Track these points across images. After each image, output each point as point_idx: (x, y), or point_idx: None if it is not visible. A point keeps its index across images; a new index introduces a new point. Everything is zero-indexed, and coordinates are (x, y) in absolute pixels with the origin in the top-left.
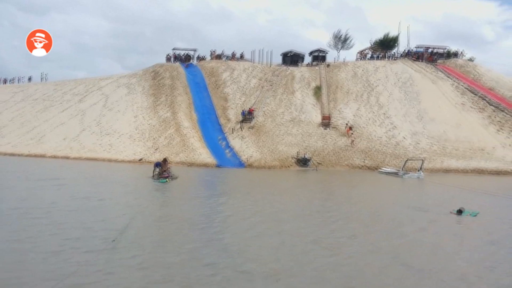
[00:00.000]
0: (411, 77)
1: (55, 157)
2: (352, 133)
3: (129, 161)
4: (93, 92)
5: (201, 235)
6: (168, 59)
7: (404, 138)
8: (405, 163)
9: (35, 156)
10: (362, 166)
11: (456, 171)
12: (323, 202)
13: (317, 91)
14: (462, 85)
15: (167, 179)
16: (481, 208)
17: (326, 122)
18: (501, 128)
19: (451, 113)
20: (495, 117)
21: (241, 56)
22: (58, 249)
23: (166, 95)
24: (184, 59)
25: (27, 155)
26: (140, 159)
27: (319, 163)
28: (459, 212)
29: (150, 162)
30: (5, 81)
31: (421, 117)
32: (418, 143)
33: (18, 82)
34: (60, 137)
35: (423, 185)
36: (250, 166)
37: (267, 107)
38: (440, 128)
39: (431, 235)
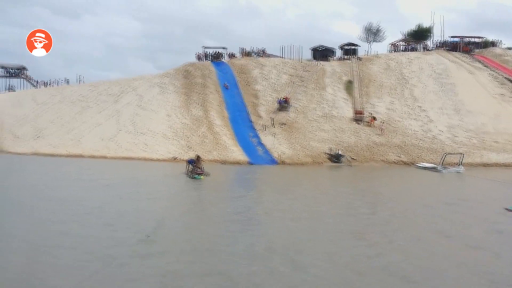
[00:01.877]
0: (446, 68)
1: (93, 157)
2: (382, 123)
3: (164, 160)
4: (127, 93)
5: (244, 231)
6: (199, 57)
7: (441, 131)
8: (443, 158)
9: (74, 156)
10: (398, 162)
11: (497, 165)
12: (370, 199)
13: (349, 85)
14: (500, 75)
15: (201, 176)
16: None
17: (358, 117)
18: None
19: (489, 104)
20: None
21: (264, 52)
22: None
23: (198, 94)
24: (214, 57)
25: (66, 155)
26: (174, 158)
27: (353, 159)
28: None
29: (184, 161)
30: (45, 84)
31: (458, 109)
32: (456, 137)
33: (57, 84)
34: (97, 137)
35: (466, 180)
36: (283, 163)
37: (299, 103)
38: (478, 120)
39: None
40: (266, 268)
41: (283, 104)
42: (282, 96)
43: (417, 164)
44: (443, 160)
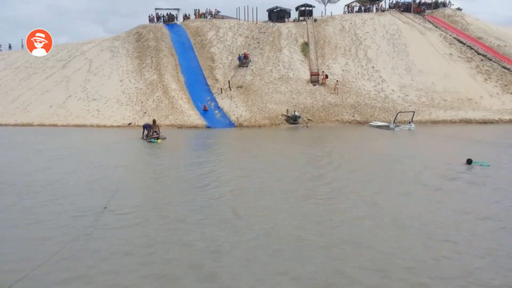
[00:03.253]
0: (399, 29)
1: (42, 125)
2: (336, 82)
3: (118, 126)
4: (76, 57)
5: (200, 193)
6: (151, 19)
7: (393, 91)
8: (396, 116)
9: (22, 125)
10: (352, 121)
11: (444, 121)
12: (327, 156)
13: (305, 47)
14: (450, 35)
15: (158, 140)
16: (486, 158)
17: (315, 78)
18: (488, 77)
19: (439, 64)
20: (482, 67)
21: (216, 14)
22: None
23: (152, 57)
24: (168, 19)
25: (14, 125)
26: (129, 123)
27: (309, 120)
28: (469, 162)
29: (140, 126)
30: None
31: (410, 69)
32: (407, 96)
33: None
34: (46, 104)
35: (417, 137)
36: (240, 125)
37: (255, 66)
38: (428, 80)
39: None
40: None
41: (243, 60)
42: (242, 52)
43: (370, 123)
44: (395, 118)
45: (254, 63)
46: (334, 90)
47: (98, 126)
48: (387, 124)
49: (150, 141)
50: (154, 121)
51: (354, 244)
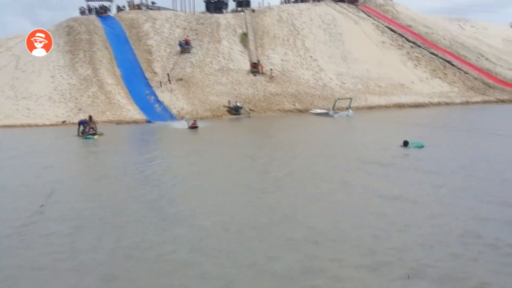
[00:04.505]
0: (334, 19)
1: None
2: (271, 70)
3: (52, 125)
4: (1, 54)
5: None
6: (82, 12)
7: (331, 79)
8: (335, 103)
9: None
10: (293, 110)
11: (379, 107)
12: (272, 145)
13: (244, 38)
14: (382, 24)
15: (94, 136)
16: (421, 139)
17: (255, 69)
18: (418, 63)
19: (373, 52)
20: (412, 53)
21: (152, 5)
22: None
23: (85, 51)
24: (100, 11)
25: None
26: (64, 121)
27: (251, 110)
28: (405, 144)
29: (75, 124)
30: None
31: (346, 57)
32: (344, 83)
33: None
34: None
35: (356, 122)
36: (182, 118)
37: (194, 58)
38: (363, 67)
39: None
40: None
41: (185, 47)
42: (183, 39)
43: (311, 111)
44: (334, 105)
45: (194, 55)
46: (270, 78)
47: (29, 125)
48: (327, 111)
49: (87, 138)
50: (90, 117)
51: (291, 221)
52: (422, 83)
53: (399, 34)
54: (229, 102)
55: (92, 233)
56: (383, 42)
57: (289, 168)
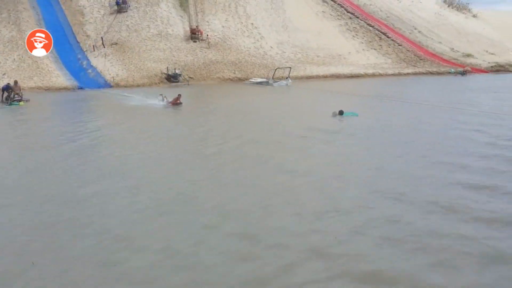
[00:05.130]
0: None
1: None
2: (207, 35)
3: None
4: None
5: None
6: None
7: (271, 48)
8: (274, 72)
9: None
10: (233, 78)
11: (318, 76)
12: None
13: (184, 1)
14: None
15: (20, 102)
16: (356, 109)
17: (194, 35)
18: (356, 35)
19: (313, 22)
20: (351, 24)
21: None
22: None
23: (9, 10)
24: None
25: None
26: None
27: (190, 78)
28: (341, 113)
29: None
30: None
31: (286, 26)
32: (284, 52)
33: None
34: None
35: (294, 91)
36: (117, 85)
37: (130, 21)
38: (303, 37)
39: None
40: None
41: (121, 5)
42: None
43: (250, 79)
44: (274, 74)
45: (130, 18)
46: (208, 44)
47: None
48: (267, 80)
49: (11, 104)
50: (15, 82)
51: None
52: (359, 54)
53: (339, 4)
54: (167, 69)
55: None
56: (323, 12)
57: (227, 136)
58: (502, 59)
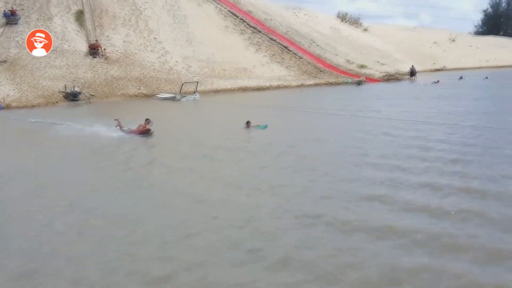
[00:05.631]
0: (177, 0)
1: None
2: (104, 49)
3: None
4: None
5: None
6: None
7: (177, 62)
8: (181, 87)
9: None
10: (138, 94)
11: (225, 90)
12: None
13: (80, 16)
14: (224, 8)
15: None
16: (264, 120)
17: (94, 50)
18: (259, 48)
19: (217, 36)
20: (254, 39)
21: None
22: None
23: None
24: None
25: None
26: None
27: (91, 95)
28: (248, 124)
29: None
30: None
31: (191, 40)
32: (190, 67)
33: None
34: None
35: (202, 106)
36: (8, 107)
37: (21, 36)
38: (208, 51)
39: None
40: None
41: (11, 18)
42: (8, 9)
43: (157, 95)
44: (181, 89)
45: (20, 34)
46: (106, 59)
47: None
48: (174, 95)
49: None
50: None
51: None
52: (263, 67)
53: (241, 19)
54: (65, 87)
55: None
56: (226, 26)
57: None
58: (391, 68)
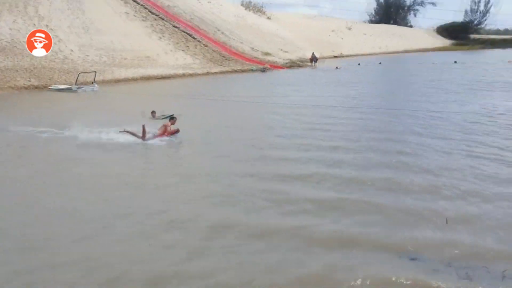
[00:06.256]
0: None
1: None
2: None
3: None
4: None
5: None
6: None
7: (72, 51)
8: (77, 77)
9: None
10: (29, 86)
11: (127, 80)
12: None
13: None
14: None
15: None
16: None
17: None
18: (162, 36)
19: (117, 23)
20: (156, 26)
21: None
22: None
23: None
24: None
25: None
26: None
27: None
28: (153, 114)
29: None
30: None
31: (88, 28)
32: (87, 56)
33: None
34: None
35: (102, 96)
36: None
37: None
38: (107, 39)
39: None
40: None
41: None
42: None
43: (50, 87)
44: (77, 80)
45: None
46: None
47: None
48: (69, 86)
49: None
50: None
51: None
52: (167, 55)
53: (142, 5)
54: None
55: None
56: (126, 13)
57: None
58: (294, 56)
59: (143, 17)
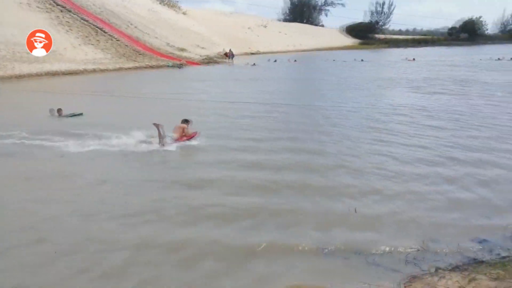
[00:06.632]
0: None
1: None
2: None
3: None
4: None
5: None
6: None
7: None
8: None
9: None
10: None
11: (30, 76)
12: None
13: None
14: None
15: None
16: (77, 108)
17: None
18: (70, 29)
19: (17, 14)
20: (63, 18)
21: None
22: None
23: None
24: None
25: None
26: None
27: None
28: (59, 112)
29: None
30: None
31: None
32: None
33: None
34: None
35: (2, 94)
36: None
37: None
38: (7, 32)
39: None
40: None
41: None
42: None
43: None
44: None
45: None
46: None
47: None
48: None
49: None
50: None
51: None
52: (76, 49)
53: None
54: None
55: None
56: (28, 4)
57: None
58: (210, 52)
59: (47, 8)
